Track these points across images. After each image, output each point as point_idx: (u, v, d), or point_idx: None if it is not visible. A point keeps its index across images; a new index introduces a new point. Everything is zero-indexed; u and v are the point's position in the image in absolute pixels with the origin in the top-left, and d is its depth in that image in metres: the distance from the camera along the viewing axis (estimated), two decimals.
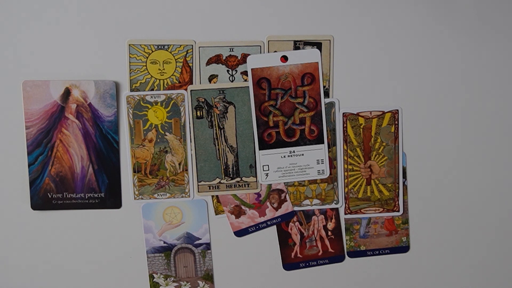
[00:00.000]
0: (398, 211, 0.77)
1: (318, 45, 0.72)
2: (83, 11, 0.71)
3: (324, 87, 0.73)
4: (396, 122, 0.75)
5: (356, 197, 0.76)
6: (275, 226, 0.77)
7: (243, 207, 0.76)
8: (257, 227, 0.76)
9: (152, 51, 0.72)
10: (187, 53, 0.72)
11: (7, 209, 0.74)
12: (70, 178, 0.73)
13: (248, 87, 0.73)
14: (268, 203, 0.76)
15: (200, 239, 0.76)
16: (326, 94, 0.74)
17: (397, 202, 0.77)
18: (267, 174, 0.74)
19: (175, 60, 0.72)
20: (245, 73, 0.73)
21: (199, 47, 0.72)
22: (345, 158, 0.75)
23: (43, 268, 0.76)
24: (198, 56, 0.72)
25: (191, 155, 0.74)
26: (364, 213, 0.77)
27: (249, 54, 0.72)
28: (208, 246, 0.77)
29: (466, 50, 0.74)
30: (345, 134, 0.75)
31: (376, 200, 0.77)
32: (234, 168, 0.75)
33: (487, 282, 0.80)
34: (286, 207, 0.76)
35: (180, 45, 0.72)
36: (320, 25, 0.72)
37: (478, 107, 0.75)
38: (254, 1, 0.72)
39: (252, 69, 0.72)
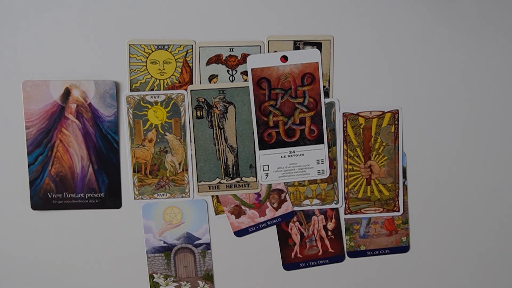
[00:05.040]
0: (398, 211, 0.77)
1: (318, 45, 0.72)
2: (83, 11, 0.71)
3: (324, 87, 0.73)
4: (396, 122, 0.75)
5: (356, 197, 0.76)
6: (275, 226, 0.77)
7: (243, 207, 0.76)
8: (257, 227, 0.76)
9: (152, 51, 0.72)
10: (187, 53, 0.72)
11: (7, 209, 0.74)
12: (70, 178, 0.73)
13: (248, 87, 0.73)
14: (268, 203, 0.76)
15: (200, 239, 0.76)
16: (326, 94, 0.74)
17: (397, 202, 0.77)
18: (267, 174, 0.74)
19: (175, 60, 0.72)
20: (245, 73, 0.73)
21: (199, 47, 0.72)
22: (345, 158, 0.75)
23: (43, 268, 0.76)
24: (198, 56, 0.72)
25: (191, 155, 0.74)
26: (364, 213, 0.77)
27: (249, 54, 0.72)
28: (208, 246, 0.77)
29: (466, 50, 0.74)
30: (345, 134, 0.75)
31: (376, 200, 0.77)
32: (234, 168, 0.75)
33: (487, 282, 0.80)
34: (286, 207, 0.76)
35: (180, 45, 0.72)
36: (320, 25, 0.72)
37: (478, 107, 0.76)
38: (254, 1, 0.72)
39: (252, 69, 0.72)
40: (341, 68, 0.73)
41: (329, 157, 0.75)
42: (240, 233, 0.77)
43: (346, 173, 0.76)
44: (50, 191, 0.74)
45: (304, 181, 0.76)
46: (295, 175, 0.75)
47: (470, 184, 0.77)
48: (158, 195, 0.75)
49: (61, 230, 0.75)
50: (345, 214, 0.77)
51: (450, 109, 0.75)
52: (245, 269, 0.78)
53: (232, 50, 0.72)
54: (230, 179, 0.75)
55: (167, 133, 0.73)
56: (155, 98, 0.72)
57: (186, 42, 0.72)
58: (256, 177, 0.75)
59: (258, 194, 0.76)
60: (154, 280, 0.77)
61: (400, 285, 0.79)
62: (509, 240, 0.79)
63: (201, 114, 0.73)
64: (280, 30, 0.72)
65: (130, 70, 0.72)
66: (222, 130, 0.74)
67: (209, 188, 0.75)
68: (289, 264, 0.78)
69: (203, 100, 0.73)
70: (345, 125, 0.74)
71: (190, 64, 0.72)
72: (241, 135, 0.74)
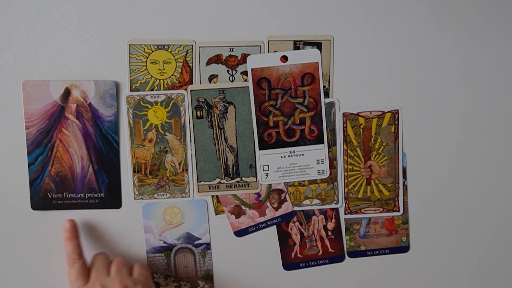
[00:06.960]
0: (398, 211, 0.77)
1: (318, 45, 0.72)
2: (83, 11, 0.71)
3: (324, 87, 0.73)
4: (396, 122, 0.75)
5: (356, 197, 0.76)
6: (275, 226, 0.77)
7: (243, 207, 0.76)
8: (257, 227, 0.76)
9: (152, 51, 0.72)
10: (187, 53, 0.72)
11: (7, 209, 0.74)
12: (70, 178, 0.73)
13: (248, 87, 0.73)
14: (268, 203, 0.76)
15: (200, 239, 0.76)
16: (326, 94, 0.74)
17: (397, 202, 0.77)
18: (267, 174, 0.74)
19: (175, 60, 0.72)
20: (245, 73, 0.73)
21: (199, 47, 0.72)
22: (345, 158, 0.75)
23: (43, 268, 0.76)
24: (198, 56, 0.72)
25: (191, 155, 0.74)
26: (364, 213, 0.77)
27: (249, 54, 0.72)
28: (208, 246, 0.77)
29: (466, 50, 0.74)
30: (345, 134, 0.75)
31: (376, 200, 0.77)
32: (234, 168, 0.75)
33: (487, 282, 0.80)
34: (286, 207, 0.76)
35: (180, 45, 0.72)
36: (320, 25, 0.72)
37: (478, 107, 0.76)
38: (254, 1, 0.72)
39: (252, 69, 0.72)
40: (341, 68, 0.73)
41: (329, 157, 0.75)
42: (240, 233, 0.77)
43: (346, 173, 0.76)
44: (50, 191, 0.73)
45: (304, 181, 0.76)
46: (295, 175, 0.75)
47: (470, 184, 0.77)
48: (158, 195, 0.75)
49: (61, 230, 0.75)
50: (345, 214, 0.77)
51: (450, 109, 0.75)
52: (245, 269, 0.78)
53: (232, 50, 0.72)
54: (230, 179, 0.75)
55: (167, 133, 0.73)
56: (155, 98, 0.72)
57: (186, 42, 0.72)
58: (256, 177, 0.75)
59: (258, 194, 0.76)
60: (154, 280, 0.77)
61: (400, 285, 0.79)
62: (509, 240, 0.79)
63: (201, 114, 0.73)
64: (280, 30, 0.72)
65: (130, 70, 0.72)
66: (222, 130, 0.74)
67: (209, 188, 0.75)
68: (289, 264, 0.78)
69: (203, 100, 0.73)
70: (345, 125, 0.74)
71: (190, 64, 0.72)
72: (241, 135, 0.74)
